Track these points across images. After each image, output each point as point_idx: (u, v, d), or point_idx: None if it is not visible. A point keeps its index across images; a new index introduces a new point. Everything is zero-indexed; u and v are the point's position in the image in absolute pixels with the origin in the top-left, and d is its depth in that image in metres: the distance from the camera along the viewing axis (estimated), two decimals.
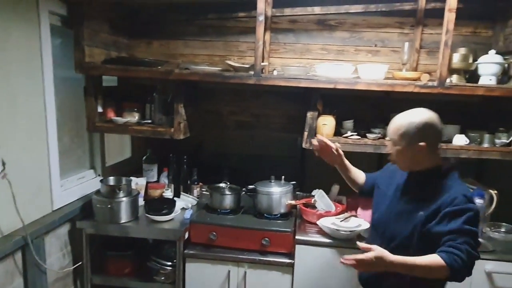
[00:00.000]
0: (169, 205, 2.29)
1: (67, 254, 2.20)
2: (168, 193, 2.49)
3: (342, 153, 1.83)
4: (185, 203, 2.47)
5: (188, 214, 2.32)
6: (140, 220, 2.26)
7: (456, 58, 2.11)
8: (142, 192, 2.50)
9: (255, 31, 2.16)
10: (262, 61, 2.42)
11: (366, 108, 2.53)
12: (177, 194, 2.58)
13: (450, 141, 2.24)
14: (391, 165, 1.73)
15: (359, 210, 2.37)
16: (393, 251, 1.39)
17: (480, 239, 1.83)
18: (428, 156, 1.49)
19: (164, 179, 2.65)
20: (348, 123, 2.34)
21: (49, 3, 1.96)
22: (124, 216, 2.20)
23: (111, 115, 2.35)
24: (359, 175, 1.90)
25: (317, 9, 2.46)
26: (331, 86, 2.06)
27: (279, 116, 2.66)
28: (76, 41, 2.10)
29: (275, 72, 2.28)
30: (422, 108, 1.50)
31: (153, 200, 2.39)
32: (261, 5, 2.00)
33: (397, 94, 2.19)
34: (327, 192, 2.49)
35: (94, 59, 2.20)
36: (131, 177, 2.41)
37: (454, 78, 2.13)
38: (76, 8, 2.05)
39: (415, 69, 2.44)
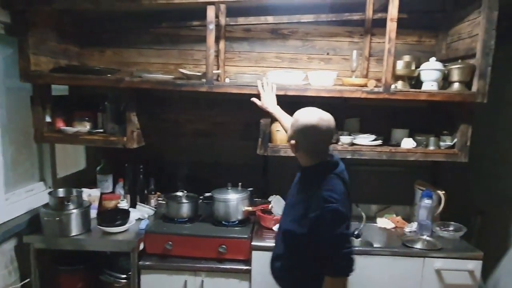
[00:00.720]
0: (123, 216, 2.24)
1: (14, 271, 2.10)
2: (123, 204, 2.44)
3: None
4: (141, 213, 2.42)
5: (143, 225, 2.27)
6: (93, 233, 2.20)
7: (400, 65, 2.21)
8: (96, 204, 2.43)
9: None
10: (217, 69, 2.48)
11: None
12: (133, 204, 2.53)
13: (398, 144, 2.33)
14: None
15: None
16: (286, 248, 1.62)
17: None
18: (304, 154, 1.58)
19: (119, 190, 2.59)
20: None
21: None
22: (75, 229, 2.12)
23: (60, 125, 2.28)
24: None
25: (270, 19, 2.51)
26: (282, 92, 2.10)
27: (237, 124, 2.67)
28: (20, 50, 2.03)
29: (227, 80, 2.29)
30: (314, 109, 1.57)
31: (106, 211, 2.33)
32: (211, 13, 2.02)
33: (353, 100, 2.26)
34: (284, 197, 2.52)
35: (40, 68, 2.14)
36: (83, 189, 2.34)
37: (399, 84, 2.23)
38: (19, 15, 1.99)
39: (366, 76, 2.53)
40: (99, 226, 2.17)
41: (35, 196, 2.31)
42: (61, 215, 2.06)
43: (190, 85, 2.10)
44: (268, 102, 2.06)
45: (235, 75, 2.30)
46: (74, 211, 2.11)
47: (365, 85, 2.18)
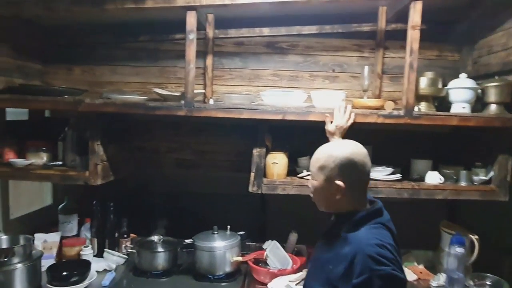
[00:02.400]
0: (81, 269, 1.80)
1: None
2: (87, 251, 2.00)
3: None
4: (108, 263, 1.98)
5: (107, 280, 1.83)
6: None
7: (424, 83, 1.82)
8: (54, 252, 2.00)
9: (196, 55, 1.81)
10: (204, 88, 2.10)
11: (327, 141, 2.18)
12: (101, 251, 2.09)
13: (421, 179, 1.91)
14: None
15: None
16: None
17: None
18: (346, 198, 1.21)
19: (85, 233, 2.16)
20: (304, 160, 1.97)
21: None
22: None
23: (9, 156, 1.88)
24: None
25: (266, 30, 2.15)
26: (279, 117, 1.70)
27: (226, 153, 2.26)
28: None
29: (211, 101, 1.90)
30: (349, 141, 1.29)
31: (59, 264, 1.88)
32: (191, 20, 1.65)
33: (362, 124, 1.87)
34: (284, 241, 2.09)
35: None
36: (37, 234, 1.92)
37: (423, 106, 1.83)
38: None
39: (378, 97, 2.14)
40: (48, 285, 1.72)
41: None
42: None
43: (165, 108, 1.70)
44: (337, 133, 1.70)
45: (221, 96, 1.91)
46: (18, 266, 1.67)
47: (381, 107, 1.78)
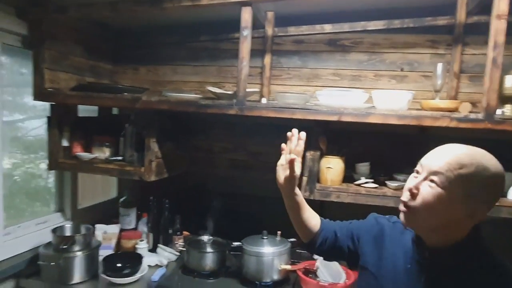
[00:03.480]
0: (133, 262, 1.85)
1: None
2: (143, 245, 2.06)
3: (297, 173, 1.12)
4: (161, 258, 2.01)
5: (157, 275, 1.86)
6: (100, 281, 1.82)
7: (510, 82, 1.55)
8: (113, 243, 2.09)
9: (253, 53, 1.77)
10: (261, 88, 2.04)
11: (389, 147, 1.98)
12: (156, 245, 2.14)
13: (505, 195, 1.63)
14: (379, 222, 1.17)
15: None
16: None
17: None
18: (470, 225, 0.93)
19: (142, 227, 2.23)
20: (363, 167, 1.81)
21: (4, 21, 1.70)
22: (77, 276, 1.77)
23: (77, 150, 2.01)
24: (315, 220, 1.25)
25: (327, 27, 2.02)
26: (335, 118, 1.56)
27: (279, 155, 2.16)
28: (35, 64, 1.81)
29: (263, 100, 1.83)
30: (489, 154, 0.93)
31: (115, 255, 1.95)
32: (245, 16, 1.60)
33: (435, 130, 1.64)
34: None
35: (59, 85, 1.90)
36: (98, 225, 2.02)
37: (508, 109, 1.56)
38: (35, 25, 1.78)
39: (454, 98, 1.88)
40: (102, 275, 1.79)
41: (48, 229, 2.03)
42: (59, 259, 1.72)
43: (216, 107, 1.67)
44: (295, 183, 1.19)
45: (275, 95, 1.83)
46: (78, 253, 1.77)
47: (456, 110, 1.55)
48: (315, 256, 1.89)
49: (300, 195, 1.20)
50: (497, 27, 1.40)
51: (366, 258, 1.13)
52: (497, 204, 1.54)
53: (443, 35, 1.94)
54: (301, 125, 1.71)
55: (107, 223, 2.13)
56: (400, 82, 2.00)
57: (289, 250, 1.87)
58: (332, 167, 1.70)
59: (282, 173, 1.15)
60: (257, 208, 2.22)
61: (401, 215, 0.98)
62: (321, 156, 1.72)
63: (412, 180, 0.97)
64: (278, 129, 2.13)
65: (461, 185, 0.88)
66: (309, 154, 1.70)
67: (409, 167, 1.70)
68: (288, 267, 1.82)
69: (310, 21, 2.04)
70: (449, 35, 1.92)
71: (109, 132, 2.08)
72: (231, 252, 1.91)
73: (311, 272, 1.86)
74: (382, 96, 1.62)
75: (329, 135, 1.75)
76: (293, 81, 2.13)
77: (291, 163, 1.10)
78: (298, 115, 1.60)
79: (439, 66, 1.67)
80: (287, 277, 1.87)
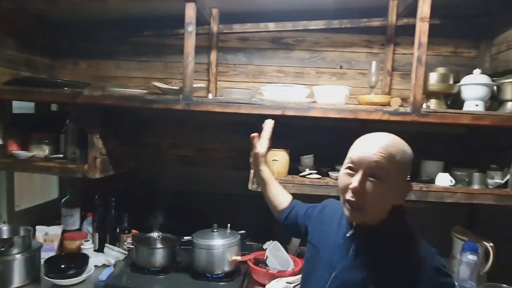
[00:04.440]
0: (79, 263, 1.79)
1: None
2: (88, 245, 1.99)
3: (260, 149, 1.43)
4: (108, 258, 1.97)
5: (105, 275, 1.82)
6: (42, 284, 1.75)
7: (434, 78, 1.72)
8: (55, 244, 2.01)
9: (200, 50, 1.79)
10: (208, 85, 2.07)
11: (332, 141, 2.10)
12: (102, 245, 2.09)
13: (432, 181, 1.81)
14: (325, 206, 1.30)
15: None
16: None
17: None
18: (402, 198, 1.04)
19: (87, 227, 2.16)
20: (307, 159, 1.91)
21: None
22: (17, 279, 1.69)
23: (13, 148, 1.90)
24: (282, 198, 1.44)
25: (271, 25, 2.10)
26: (279, 112, 1.64)
27: (228, 151, 2.22)
28: None
29: (210, 96, 1.86)
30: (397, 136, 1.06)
31: (58, 256, 1.88)
32: (189, 12, 1.62)
33: (373, 124, 1.78)
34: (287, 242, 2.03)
35: None
36: (39, 226, 1.93)
37: (433, 103, 1.73)
38: None
39: (388, 94, 2.04)
40: (45, 277, 1.72)
41: None
42: None
43: (162, 102, 1.67)
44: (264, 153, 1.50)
45: (222, 91, 1.87)
46: (17, 256, 1.68)
47: (387, 104, 1.70)
48: (265, 246, 1.96)
49: (265, 171, 1.46)
50: (421, 29, 1.55)
51: (312, 234, 1.27)
52: (425, 189, 1.74)
53: (377, 35, 2.10)
54: (248, 120, 1.79)
55: (49, 225, 2.04)
56: (339, 79, 2.13)
57: (239, 242, 1.92)
58: (278, 160, 1.77)
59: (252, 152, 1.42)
60: (207, 203, 2.24)
61: (346, 211, 1.04)
62: (268, 149, 1.78)
63: (345, 178, 1.03)
64: (226, 124, 2.20)
65: (396, 173, 0.98)
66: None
67: (345, 157, 1.84)
68: (239, 258, 1.87)
69: (254, 19, 2.10)
70: (382, 35, 2.08)
71: (48, 129, 1.99)
72: (182, 247, 1.91)
73: (261, 262, 1.93)
74: (322, 92, 1.72)
75: (274, 129, 1.81)
76: (239, 78, 2.18)
77: (251, 139, 1.40)
78: (244, 110, 1.65)
79: (373, 64, 1.81)
80: (237, 268, 1.92)
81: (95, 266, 1.90)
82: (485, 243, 1.85)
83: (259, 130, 1.78)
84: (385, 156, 0.97)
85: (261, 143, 1.44)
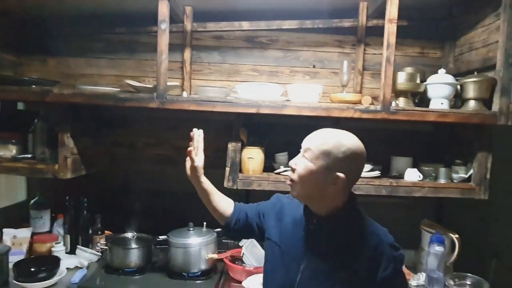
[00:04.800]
0: (49, 266, 1.74)
1: None
2: (59, 248, 1.94)
3: (198, 162, 1.35)
4: (81, 260, 1.92)
5: (77, 277, 1.78)
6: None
7: (402, 78, 1.79)
8: (24, 248, 1.94)
9: (174, 48, 1.77)
10: (182, 83, 2.06)
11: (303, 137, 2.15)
12: (74, 247, 2.03)
13: (401, 176, 1.89)
14: (276, 203, 1.34)
15: None
16: None
17: None
18: (337, 193, 1.12)
19: (58, 229, 2.10)
20: (282, 156, 1.94)
21: None
22: None
23: None
24: (226, 204, 1.41)
25: (245, 24, 2.11)
26: (253, 110, 1.66)
27: (205, 149, 2.20)
28: None
29: (184, 94, 1.86)
30: (352, 134, 1.15)
31: (28, 260, 1.82)
32: (163, 10, 1.60)
33: (347, 122, 1.82)
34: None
35: None
36: (5, 229, 1.86)
37: (401, 102, 1.80)
38: None
39: (359, 93, 2.11)
40: (14, 281, 1.66)
41: None
42: None
43: (135, 100, 1.65)
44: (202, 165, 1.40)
45: (196, 89, 1.87)
46: None
47: (359, 102, 1.75)
48: (241, 243, 1.98)
49: (206, 182, 1.39)
50: (389, 30, 1.62)
51: (270, 231, 1.29)
52: (394, 184, 1.80)
53: (348, 36, 2.16)
54: (224, 118, 1.80)
55: (16, 227, 1.96)
56: (313, 78, 2.17)
57: (216, 240, 1.92)
58: (253, 158, 1.79)
59: (188, 164, 1.36)
60: (183, 202, 2.22)
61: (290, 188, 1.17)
62: (243, 147, 1.81)
63: (297, 158, 1.17)
64: (202, 123, 2.17)
65: (323, 158, 1.08)
66: (230, 146, 1.77)
67: None
68: (215, 256, 1.87)
69: (229, 17, 2.10)
70: (353, 36, 2.14)
71: (14, 128, 1.92)
72: (157, 247, 1.90)
73: (238, 259, 1.94)
74: (296, 90, 1.76)
75: (249, 127, 1.84)
76: (214, 76, 2.18)
77: (188, 153, 1.34)
78: (219, 108, 1.66)
79: (345, 64, 1.86)
80: (214, 266, 1.93)
81: (67, 268, 1.84)
82: (451, 234, 1.95)
83: (236, 127, 1.80)
84: (317, 140, 1.11)
85: (198, 155, 1.38)
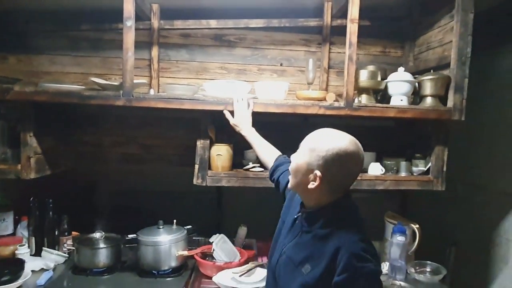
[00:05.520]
0: (13, 268, 1.69)
1: None
2: (23, 250, 1.89)
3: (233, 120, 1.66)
4: (46, 262, 1.88)
5: (43, 279, 1.73)
6: None
7: (364, 75, 1.87)
8: None
9: (141, 45, 1.75)
10: (150, 81, 2.05)
11: (276, 135, 2.18)
12: (39, 250, 1.98)
13: (365, 170, 1.96)
14: None
15: None
16: None
17: None
18: (325, 191, 1.14)
19: (22, 231, 2.04)
20: (251, 153, 1.97)
21: None
22: None
23: None
24: (269, 159, 1.62)
25: (213, 23, 2.12)
26: (221, 108, 1.68)
27: (174, 147, 2.22)
28: None
29: (152, 92, 1.86)
30: (352, 138, 1.15)
31: None
32: (128, 6, 1.59)
33: (315, 119, 1.88)
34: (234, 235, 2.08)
35: None
36: None
37: (363, 98, 1.88)
38: None
39: (325, 90, 2.17)
40: None
41: None
42: None
43: (101, 98, 1.63)
44: (242, 122, 1.68)
45: (164, 87, 1.87)
46: None
47: (323, 99, 1.81)
48: (211, 240, 1.99)
49: (249, 136, 1.68)
50: (351, 29, 1.68)
51: (283, 206, 1.39)
52: (358, 178, 1.87)
53: (314, 34, 2.22)
54: (194, 116, 1.81)
55: None
56: (280, 76, 2.22)
57: (186, 237, 1.93)
58: (222, 154, 1.82)
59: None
60: (153, 201, 2.23)
61: None
62: (211, 144, 1.82)
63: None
64: (170, 121, 2.19)
65: (307, 154, 1.13)
66: (199, 143, 1.79)
67: (291, 151, 1.94)
68: (185, 253, 1.88)
69: (196, 15, 2.11)
70: (319, 35, 2.20)
71: None
72: (126, 246, 1.88)
73: (208, 255, 1.96)
74: (263, 87, 1.79)
75: (218, 125, 1.86)
76: (182, 74, 2.18)
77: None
78: (187, 106, 1.67)
79: (310, 62, 1.92)
80: (185, 263, 1.93)
81: (32, 271, 1.79)
82: (412, 225, 2.05)
83: (204, 125, 1.81)
84: (311, 137, 1.17)
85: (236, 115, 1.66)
